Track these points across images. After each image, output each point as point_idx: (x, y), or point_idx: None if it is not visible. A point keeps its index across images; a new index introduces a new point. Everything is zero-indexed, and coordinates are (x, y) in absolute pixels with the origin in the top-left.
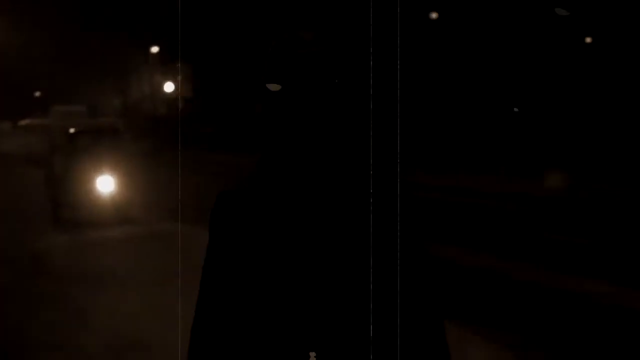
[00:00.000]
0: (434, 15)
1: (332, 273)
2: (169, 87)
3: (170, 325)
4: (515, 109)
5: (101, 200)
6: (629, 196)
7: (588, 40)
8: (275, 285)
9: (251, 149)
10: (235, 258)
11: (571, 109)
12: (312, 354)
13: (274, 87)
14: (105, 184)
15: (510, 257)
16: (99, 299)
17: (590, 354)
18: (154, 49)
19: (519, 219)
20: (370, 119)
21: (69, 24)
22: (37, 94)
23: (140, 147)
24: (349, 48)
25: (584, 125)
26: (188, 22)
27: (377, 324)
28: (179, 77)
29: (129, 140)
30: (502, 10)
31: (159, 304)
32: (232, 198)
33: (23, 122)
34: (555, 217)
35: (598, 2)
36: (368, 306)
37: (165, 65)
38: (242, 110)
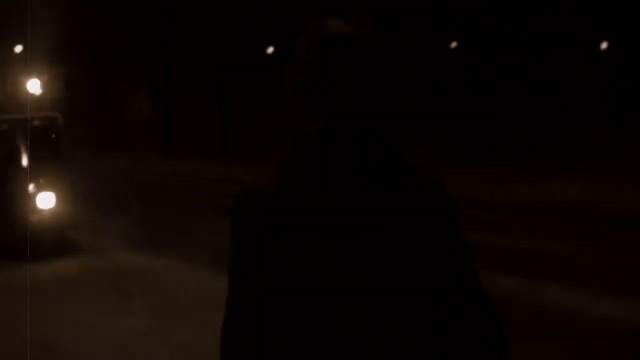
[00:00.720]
0: None
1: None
2: (34, 86)
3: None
4: None
5: (41, 224)
6: None
7: None
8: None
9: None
10: (266, 255)
11: None
12: None
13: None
14: (46, 202)
15: None
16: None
17: None
18: (18, 48)
19: None
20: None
21: None
22: None
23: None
24: None
25: None
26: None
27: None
28: None
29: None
30: None
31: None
32: (261, 197)
33: None
34: None
35: None
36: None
37: (30, 65)
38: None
